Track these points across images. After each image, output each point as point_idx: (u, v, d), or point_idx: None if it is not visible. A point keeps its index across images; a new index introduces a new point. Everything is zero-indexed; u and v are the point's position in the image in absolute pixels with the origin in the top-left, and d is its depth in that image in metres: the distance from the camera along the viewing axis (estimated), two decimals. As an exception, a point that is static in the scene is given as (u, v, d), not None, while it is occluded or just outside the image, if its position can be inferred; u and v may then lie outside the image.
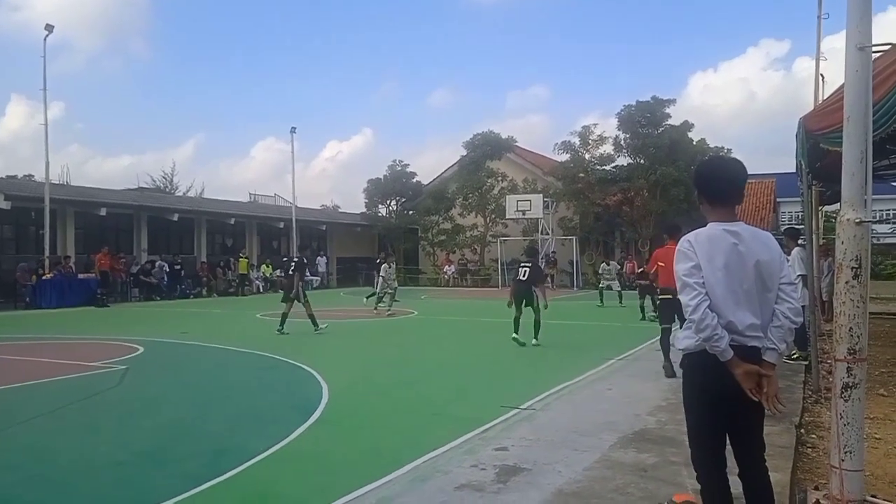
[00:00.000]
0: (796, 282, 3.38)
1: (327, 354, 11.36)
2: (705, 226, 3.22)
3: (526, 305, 11.98)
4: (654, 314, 14.68)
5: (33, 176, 28.92)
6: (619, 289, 22.10)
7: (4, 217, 23.72)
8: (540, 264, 14.20)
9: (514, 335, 11.80)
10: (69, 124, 63.05)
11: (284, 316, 13.99)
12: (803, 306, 9.39)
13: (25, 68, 74.54)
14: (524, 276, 12.24)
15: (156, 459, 5.41)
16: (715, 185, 3.26)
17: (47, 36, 24.13)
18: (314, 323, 13.92)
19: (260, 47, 77.76)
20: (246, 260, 30.01)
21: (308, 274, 33.13)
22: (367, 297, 20.55)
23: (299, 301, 14.02)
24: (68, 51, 66.46)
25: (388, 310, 18.50)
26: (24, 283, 22.05)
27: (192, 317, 18.90)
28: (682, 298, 3.09)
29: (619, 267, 24.46)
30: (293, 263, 14.64)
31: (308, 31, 77.16)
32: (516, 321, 11.89)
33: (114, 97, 71.67)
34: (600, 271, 23.56)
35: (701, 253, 3.10)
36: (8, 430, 6.33)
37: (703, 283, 3.05)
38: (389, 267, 19.04)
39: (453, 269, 21.63)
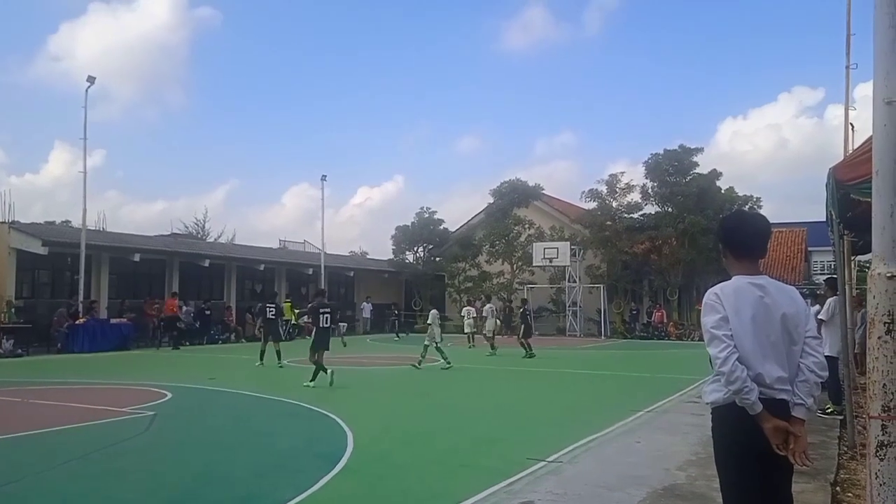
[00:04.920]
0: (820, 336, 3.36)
1: (353, 402, 11.35)
2: (730, 279, 3.23)
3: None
4: None
5: (70, 222, 29.54)
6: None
7: (41, 262, 24.19)
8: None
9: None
10: (109, 171, 64.65)
11: (279, 353, 16.98)
12: (836, 357, 9.21)
13: (67, 116, 76.83)
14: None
15: (182, 507, 5.43)
16: (741, 238, 3.29)
17: (89, 87, 24.70)
18: (278, 357, 16.88)
19: (293, 95, 79.29)
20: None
21: (334, 322, 33.62)
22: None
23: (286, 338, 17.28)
24: (107, 99, 68.56)
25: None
26: (58, 327, 22.37)
27: (220, 362, 19.03)
28: (711, 351, 3.07)
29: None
30: (271, 308, 18.07)
31: (341, 78, 78.87)
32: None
33: (150, 144, 73.36)
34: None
35: (728, 305, 3.10)
36: (38, 476, 6.39)
37: (732, 335, 3.04)
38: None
39: (472, 315, 21.83)
